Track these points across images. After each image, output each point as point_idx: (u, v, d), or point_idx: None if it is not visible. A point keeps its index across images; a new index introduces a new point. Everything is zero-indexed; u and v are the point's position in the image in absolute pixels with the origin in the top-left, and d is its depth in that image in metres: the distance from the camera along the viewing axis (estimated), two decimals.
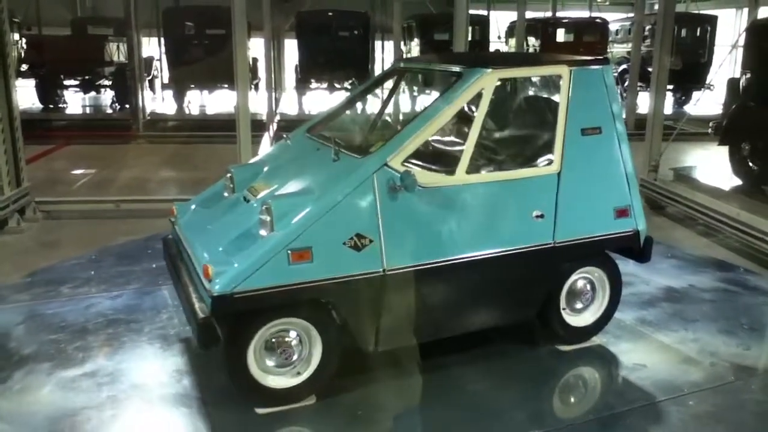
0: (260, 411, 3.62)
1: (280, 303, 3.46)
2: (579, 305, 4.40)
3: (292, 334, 3.62)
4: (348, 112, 5.13)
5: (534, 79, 4.56)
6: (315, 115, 6.11)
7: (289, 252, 3.37)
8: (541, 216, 3.97)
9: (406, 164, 3.63)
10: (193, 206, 4.43)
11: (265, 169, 4.38)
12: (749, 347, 4.58)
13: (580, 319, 4.42)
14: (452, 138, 4.43)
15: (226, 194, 4.38)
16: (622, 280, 4.49)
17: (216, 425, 3.57)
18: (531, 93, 4.64)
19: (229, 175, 4.38)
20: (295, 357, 3.63)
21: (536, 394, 3.98)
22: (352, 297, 3.55)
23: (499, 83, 4.08)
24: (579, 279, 4.36)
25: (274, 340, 3.59)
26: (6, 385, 3.98)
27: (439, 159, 4.04)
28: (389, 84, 5.36)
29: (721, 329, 4.84)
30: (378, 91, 5.60)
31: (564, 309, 4.33)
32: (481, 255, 3.84)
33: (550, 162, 4.03)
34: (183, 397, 3.82)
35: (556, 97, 4.16)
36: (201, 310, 3.40)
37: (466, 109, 4.19)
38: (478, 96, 3.87)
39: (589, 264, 4.33)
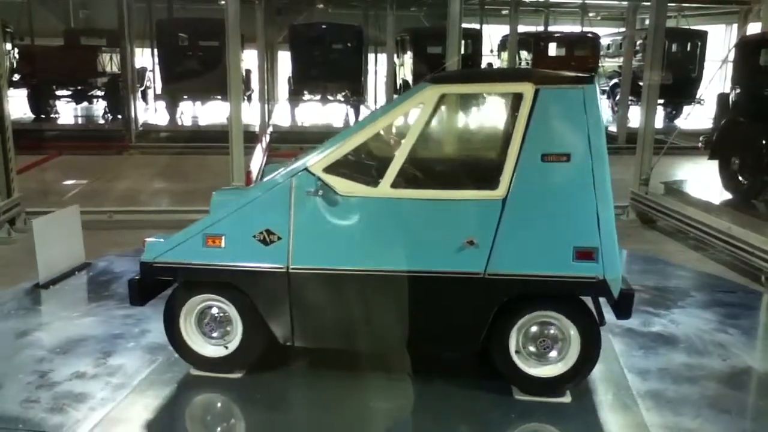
0: (194, 372, 4.10)
1: (194, 279, 3.94)
2: (544, 353, 3.84)
3: (218, 311, 4.02)
4: None
5: (496, 96, 4.13)
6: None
7: (204, 236, 3.84)
8: (472, 242, 3.63)
9: (328, 171, 3.73)
10: None
11: None
12: None
13: (541, 369, 3.84)
14: (387, 150, 4.06)
15: None
16: (598, 334, 3.80)
17: (153, 372, 4.12)
18: (488, 110, 4.33)
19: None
20: (219, 332, 4.03)
21: (428, 429, 3.69)
22: (259, 287, 3.85)
23: (442, 99, 3.79)
24: (544, 325, 3.82)
25: (217, 313, 4.02)
26: (74, 312, 5.05)
27: (368, 170, 3.88)
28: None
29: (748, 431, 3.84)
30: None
31: (518, 353, 3.82)
32: (391, 271, 3.71)
33: (495, 186, 3.64)
34: (160, 347, 4.33)
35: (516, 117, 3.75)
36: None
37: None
38: (417, 110, 3.78)
39: (548, 308, 3.77)
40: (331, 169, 3.74)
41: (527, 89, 3.64)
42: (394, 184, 3.71)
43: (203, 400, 3.99)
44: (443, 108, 3.99)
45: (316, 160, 3.76)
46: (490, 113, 4.26)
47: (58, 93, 17.36)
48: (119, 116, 16.00)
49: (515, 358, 3.83)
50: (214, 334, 4.05)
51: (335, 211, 3.73)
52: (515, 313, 3.77)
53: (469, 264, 3.66)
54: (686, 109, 17.67)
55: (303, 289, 3.81)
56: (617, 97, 17.37)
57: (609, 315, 3.93)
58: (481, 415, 3.78)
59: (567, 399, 3.89)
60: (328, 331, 3.96)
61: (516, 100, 3.74)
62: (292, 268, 3.77)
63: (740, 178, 8.55)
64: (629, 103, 15.58)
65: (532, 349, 3.83)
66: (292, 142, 13.51)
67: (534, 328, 3.81)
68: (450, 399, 3.90)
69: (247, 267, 3.81)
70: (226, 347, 4.03)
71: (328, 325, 3.93)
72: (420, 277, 3.70)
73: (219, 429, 3.79)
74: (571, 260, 3.61)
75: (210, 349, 4.05)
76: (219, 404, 3.99)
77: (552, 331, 3.81)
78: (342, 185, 3.72)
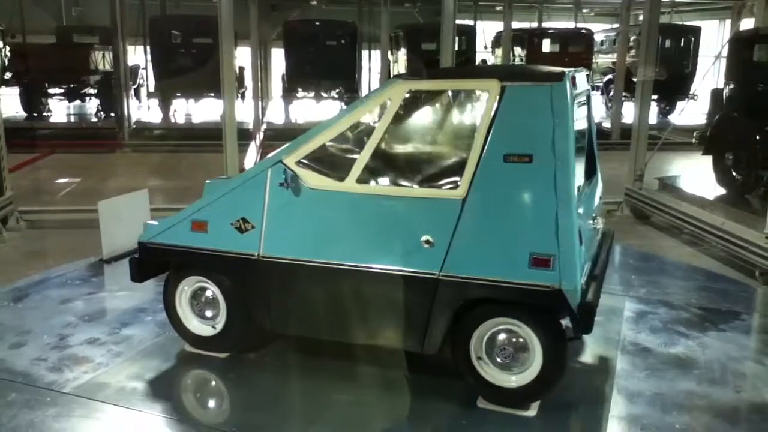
0: (188, 349, 4.33)
1: (181, 260, 4.21)
2: (506, 362, 3.67)
3: (212, 292, 4.21)
4: None
5: (464, 93, 3.94)
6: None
7: (191, 221, 4.09)
8: (429, 242, 3.56)
9: (301, 164, 3.85)
10: None
11: None
12: None
13: (501, 378, 3.67)
14: (356, 145, 4.00)
15: None
16: (563, 346, 3.59)
17: (154, 345, 4.42)
18: (456, 108, 4.12)
19: None
20: (212, 312, 4.25)
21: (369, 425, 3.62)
22: (237, 273, 4.04)
23: (409, 95, 3.76)
24: (510, 333, 3.65)
25: (211, 295, 4.24)
26: (117, 285, 5.56)
27: (338, 164, 3.87)
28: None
29: None
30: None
31: (479, 359, 3.68)
32: (352, 265, 3.73)
33: (456, 186, 3.56)
34: (166, 323, 4.46)
35: (481, 115, 3.64)
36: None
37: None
38: (385, 106, 3.76)
39: (509, 314, 3.59)
40: (303, 162, 3.85)
41: (493, 86, 3.53)
42: (360, 180, 3.75)
43: (182, 374, 4.20)
44: (410, 104, 3.90)
45: (289, 152, 3.88)
46: (458, 111, 4.11)
47: (51, 91, 17.27)
48: (112, 114, 15.93)
49: (476, 364, 3.68)
50: (208, 314, 4.27)
51: (304, 203, 3.84)
52: (476, 318, 3.65)
53: (425, 264, 3.58)
54: (680, 104, 17.69)
55: (273, 278, 3.94)
56: (611, 93, 17.39)
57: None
58: (429, 418, 3.64)
59: (531, 413, 3.66)
60: (296, 319, 4.07)
61: (483, 97, 3.63)
62: (262, 257, 3.91)
63: (734, 173, 8.56)
64: (623, 99, 15.60)
65: (497, 357, 3.68)
66: (286, 140, 13.44)
67: (502, 336, 3.65)
68: (408, 398, 3.82)
69: (226, 253, 4.00)
70: (214, 327, 4.25)
71: (296, 314, 4.04)
72: (377, 274, 3.68)
73: (186, 401, 3.92)
74: (527, 267, 3.42)
75: (200, 328, 4.28)
76: (196, 379, 4.17)
77: (521, 340, 3.61)
78: (312, 178, 3.83)
